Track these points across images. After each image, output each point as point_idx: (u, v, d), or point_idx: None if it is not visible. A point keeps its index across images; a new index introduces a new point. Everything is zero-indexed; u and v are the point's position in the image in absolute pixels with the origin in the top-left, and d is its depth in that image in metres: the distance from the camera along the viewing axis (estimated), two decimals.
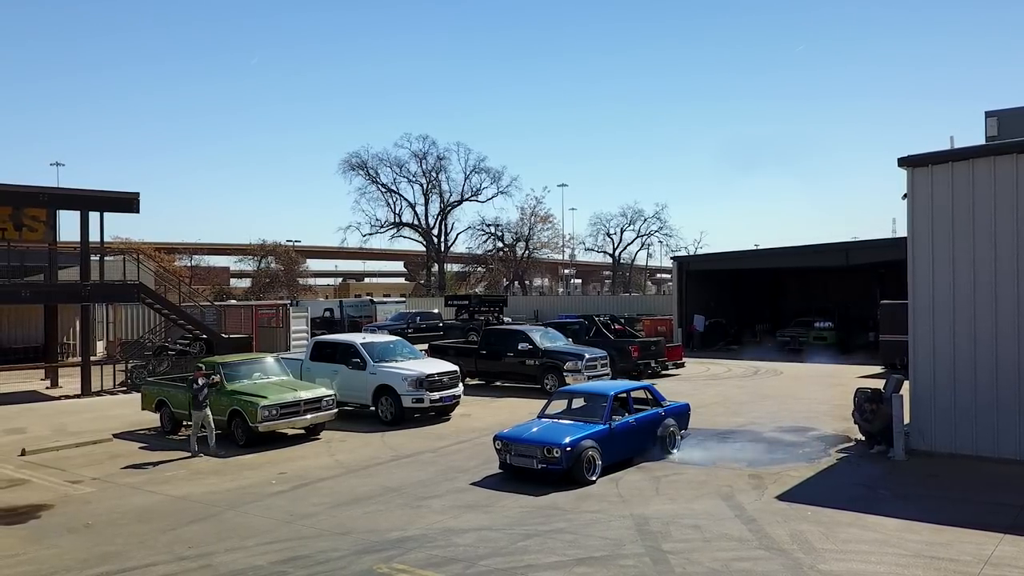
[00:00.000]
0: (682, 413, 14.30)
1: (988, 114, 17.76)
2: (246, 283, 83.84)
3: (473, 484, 12.10)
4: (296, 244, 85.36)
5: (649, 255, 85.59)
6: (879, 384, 14.92)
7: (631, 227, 79.62)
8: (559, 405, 13.90)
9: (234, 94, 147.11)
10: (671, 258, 44.48)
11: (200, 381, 15.22)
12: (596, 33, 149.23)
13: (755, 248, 44.12)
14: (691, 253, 79.07)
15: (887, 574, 7.99)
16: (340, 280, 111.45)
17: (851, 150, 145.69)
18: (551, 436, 11.95)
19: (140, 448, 15.78)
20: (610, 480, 12.04)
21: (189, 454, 14.87)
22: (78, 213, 23.54)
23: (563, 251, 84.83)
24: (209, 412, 15.16)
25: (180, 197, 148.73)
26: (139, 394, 21.83)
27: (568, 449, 11.54)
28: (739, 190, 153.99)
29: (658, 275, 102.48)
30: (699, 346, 35.22)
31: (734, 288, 38.14)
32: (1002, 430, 12.54)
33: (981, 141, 18.16)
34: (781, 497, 10.92)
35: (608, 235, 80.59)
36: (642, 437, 13.11)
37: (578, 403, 13.81)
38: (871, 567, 8.17)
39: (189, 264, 74.97)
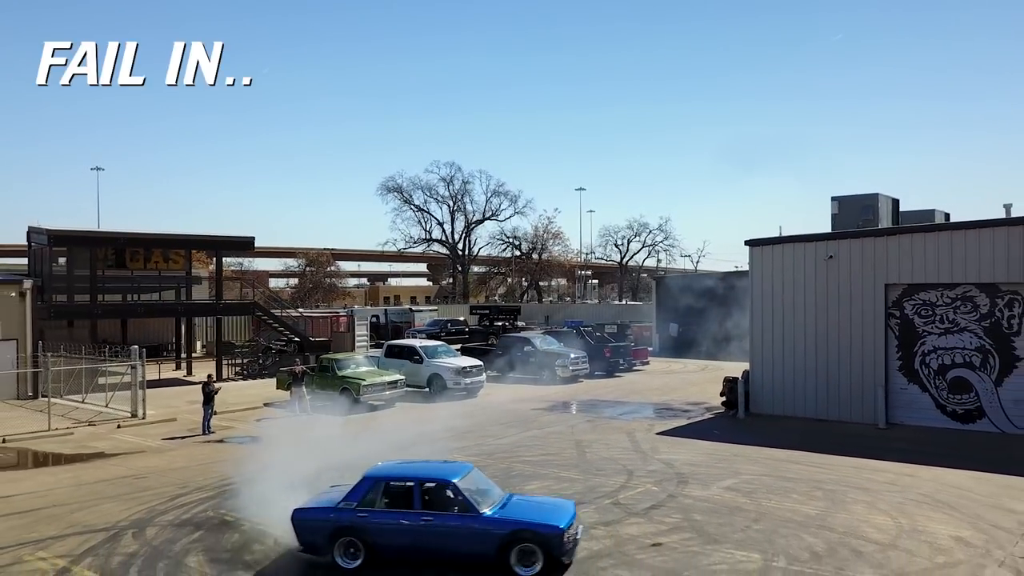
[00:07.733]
0: None
1: (833, 198, 26.82)
2: (283, 283, 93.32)
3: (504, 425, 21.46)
4: (333, 251, 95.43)
5: (659, 261, 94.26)
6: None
7: (637, 238, 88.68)
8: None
9: (246, 94, 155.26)
10: (651, 277, 53.53)
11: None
12: (602, 34, 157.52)
13: (715, 271, 53.42)
14: (695, 260, 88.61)
15: (688, 460, 17.21)
16: (366, 280, 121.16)
17: (861, 153, 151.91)
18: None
19: (287, 413, 25.28)
20: (568, 426, 21.37)
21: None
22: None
23: (579, 256, 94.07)
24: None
25: (193, 197, 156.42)
26: (253, 380, 31.98)
27: None
28: (745, 191, 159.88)
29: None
30: (672, 348, 44.47)
31: (703, 301, 47.25)
32: (793, 401, 21.82)
33: (829, 217, 27.23)
34: (659, 434, 20.20)
35: (616, 245, 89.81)
36: None
37: None
38: (681, 456, 17.45)
39: (240, 267, 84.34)
